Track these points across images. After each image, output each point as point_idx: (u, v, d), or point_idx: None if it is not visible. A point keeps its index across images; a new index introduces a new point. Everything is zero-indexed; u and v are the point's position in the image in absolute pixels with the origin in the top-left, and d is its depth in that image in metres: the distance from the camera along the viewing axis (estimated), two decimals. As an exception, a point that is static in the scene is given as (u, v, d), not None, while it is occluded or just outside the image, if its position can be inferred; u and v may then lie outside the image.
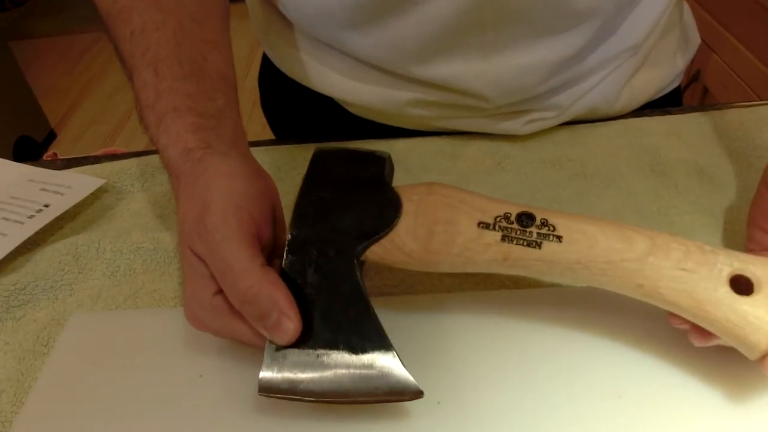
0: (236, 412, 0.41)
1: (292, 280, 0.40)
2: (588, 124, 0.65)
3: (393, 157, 0.62)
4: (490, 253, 0.40)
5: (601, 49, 0.60)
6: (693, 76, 1.57)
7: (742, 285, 0.36)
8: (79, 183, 0.59)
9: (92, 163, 0.65)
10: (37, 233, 0.54)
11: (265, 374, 0.38)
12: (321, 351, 0.38)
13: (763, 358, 0.36)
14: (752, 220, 0.46)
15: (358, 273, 0.40)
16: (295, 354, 0.38)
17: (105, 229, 0.57)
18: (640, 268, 0.38)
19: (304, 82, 0.68)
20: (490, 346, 0.43)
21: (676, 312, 0.38)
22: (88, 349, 0.45)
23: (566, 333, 0.44)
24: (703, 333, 0.38)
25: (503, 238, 0.40)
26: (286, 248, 0.41)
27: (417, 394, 0.37)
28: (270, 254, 0.43)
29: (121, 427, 0.40)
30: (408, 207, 0.42)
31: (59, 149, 2.46)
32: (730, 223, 0.52)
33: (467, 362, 0.43)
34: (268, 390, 0.38)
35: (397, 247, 0.41)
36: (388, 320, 0.45)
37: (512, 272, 0.41)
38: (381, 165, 0.45)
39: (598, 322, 0.44)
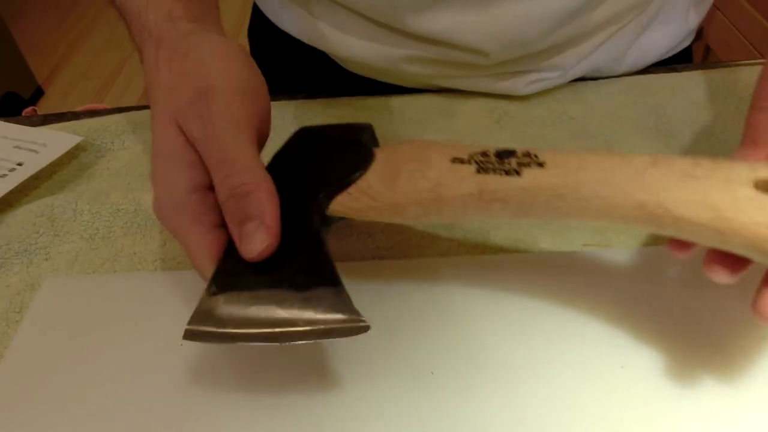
0: (217, 381, 0.39)
1: None
2: (590, 82, 0.63)
3: (388, 113, 0.59)
4: (465, 187, 0.35)
5: (608, 3, 0.57)
6: (696, 34, 1.54)
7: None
8: (55, 140, 0.56)
9: (70, 120, 0.62)
10: (9, 193, 0.52)
11: (195, 318, 0.34)
12: (261, 291, 0.34)
13: None
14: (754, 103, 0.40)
15: (318, 222, 0.37)
16: (232, 296, 0.34)
17: (82, 190, 0.54)
18: (639, 181, 0.31)
19: (297, 35, 0.65)
20: (487, 313, 0.42)
21: (686, 233, 0.31)
22: (63, 315, 0.43)
23: (567, 300, 0.42)
24: (686, 245, 0.33)
25: (479, 170, 0.35)
26: None
27: (361, 327, 0.33)
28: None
29: (97, 395, 0.39)
30: (379, 155, 0.38)
31: (47, 106, 2.42)
32: (738, 186, 0.50)
33: (462, 331, 0.41)
34: (193, 335, 0.34)
35: (363, 191, 0.37)
36: (380, 286, 0.44)
37: (491, 214, 0.36)
38: (360, 130, 0.42)
39: (601, 290, 0.42)
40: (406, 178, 0.37)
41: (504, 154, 0.35)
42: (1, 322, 0.44)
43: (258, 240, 0.34)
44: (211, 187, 0.37)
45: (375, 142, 0.44)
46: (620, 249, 0.46)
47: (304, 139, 0.43)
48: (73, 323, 0.43)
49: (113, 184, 0.54)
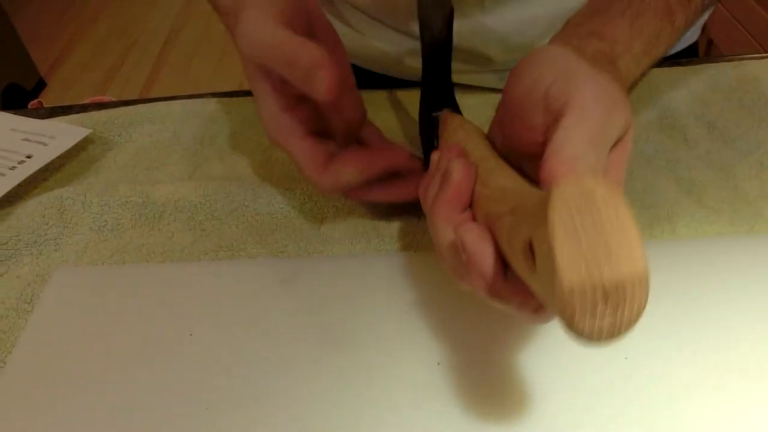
0: (227, 372, 0.39)
1: None
2: (594, 75, 0.63)
3: (392, 106, 0.60)
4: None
5: None
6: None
7: None
8: (63, 133, 0.57)
9: (78, 113, 0.63)
10: (19, 185, 0.52)
11: None
12: None
13: None
14: None
15: None
16: None
17: (91, 182, 0.54)
18: None
19: None
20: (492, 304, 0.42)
21: None
22: (73, 306, 0.44)
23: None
24: None
25: None
26: None
27: None
28: None
29: (106, 385, 0.39)
30: None
31: (49, 98, 2.42)
32: (741, 179, 0.50)
33: (468, 322, 0.41)
34: None
35: None
36: (388, 278, 0.44)
37: None
38: None
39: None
40: None
41: None
42: (12, 312, 0.44)
43: (321, 80, 0.37)
44: (295, 105, 0.43)
45: None
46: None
47: None
48: (83, 314, 0.43)
49: (121, 177, 0.55)
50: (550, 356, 0.39)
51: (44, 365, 0.40)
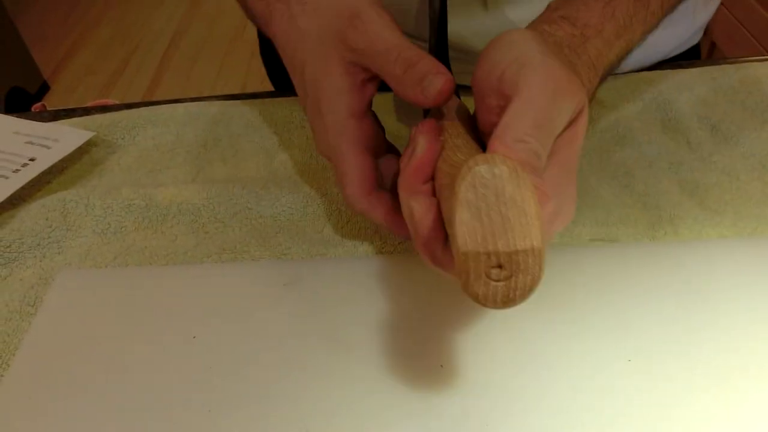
0: (230, 374, 0.39)
1: None
2: (597, 78, 0.63)
3: (394, 106, 0.60)
4: None
5: None
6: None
7: None
8: (66, 136, 0.57)
9: (81, 115, 0.63)
10: (22, 188, 0.52)
11: None
12: None
13: None
14: None
15: None
16: None
17: (94, 185, 0.55)
18: None
19: None
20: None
21: None
22: (77, 308, 0.44)
23: (575, 294, 0.42)
24: None
25: None
26: None
27: None
28: None
29: (109, 389, 0.39)
30: None
31: (53, 101, 2.43)
32: (744, 182, 0.50)
33: (471, 324, 0.41)
34: None
35: None
36: (389, 281, 0.44)
37: None
38: None
39: (608, 284, 0.43)
40: None
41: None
42: (15, 315, 0.44)
43: (437, 81, 0.39)
44: (364, 114, 0.43)
45: None
46: (627, 243, 0.46)
47: None
48: (86, 316, 0.43)
49: (124, 180, 0.55)
50: (551, 357, 0.39)
51: (47, 368, 0.40)
